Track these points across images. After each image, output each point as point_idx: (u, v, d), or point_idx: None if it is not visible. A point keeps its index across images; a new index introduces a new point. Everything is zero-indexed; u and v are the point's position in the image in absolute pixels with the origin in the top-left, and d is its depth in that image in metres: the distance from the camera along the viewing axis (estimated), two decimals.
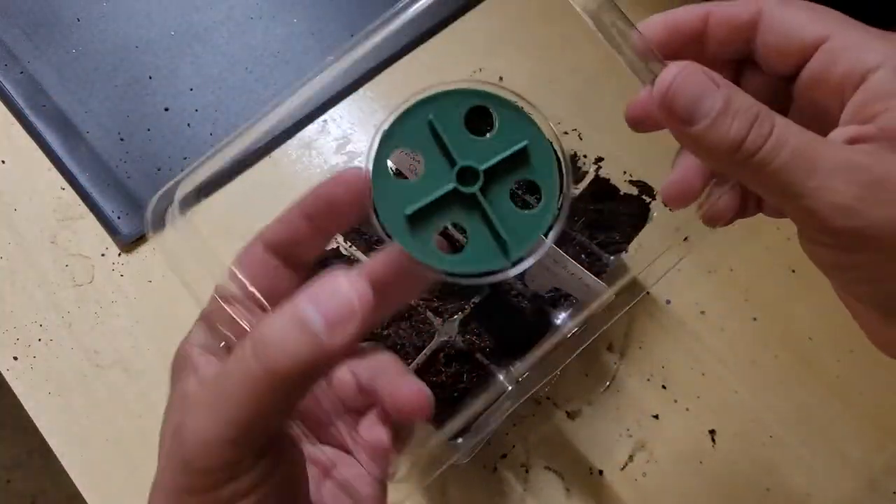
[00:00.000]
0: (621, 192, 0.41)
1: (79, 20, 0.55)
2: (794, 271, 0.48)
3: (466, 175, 0.26)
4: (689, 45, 0.27)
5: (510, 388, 0.36)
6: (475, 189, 0.25)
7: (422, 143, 0.26)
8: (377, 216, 0.25)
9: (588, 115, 0.50)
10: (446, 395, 0.35)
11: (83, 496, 0.42)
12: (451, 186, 0.25)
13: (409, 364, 0.35)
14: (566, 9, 0.30)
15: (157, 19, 0.55)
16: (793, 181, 0.21)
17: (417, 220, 0.25)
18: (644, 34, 0.25)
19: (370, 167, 0.25)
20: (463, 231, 0.25)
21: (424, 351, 0.36)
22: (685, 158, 0.26)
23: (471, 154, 0.26)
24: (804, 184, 0.21)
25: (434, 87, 0.26)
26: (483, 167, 0.25)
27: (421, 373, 0.35)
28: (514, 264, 0.25)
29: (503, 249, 0.25)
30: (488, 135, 0.26)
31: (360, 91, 0.53)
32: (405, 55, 0.54)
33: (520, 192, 0.33)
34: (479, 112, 0.27)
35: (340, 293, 0.21)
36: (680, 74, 0.23)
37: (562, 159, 0.26)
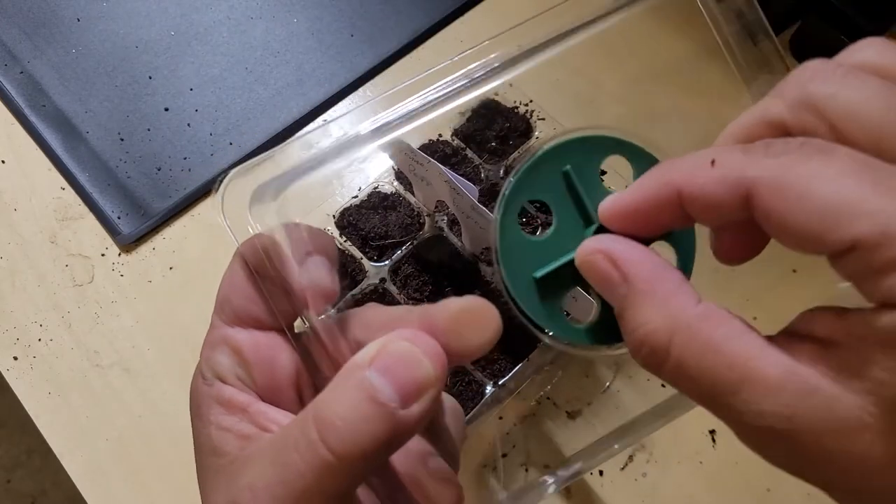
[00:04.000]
0: None
1: (79, 20, 0.55)
2: (794, 271, 0.48)
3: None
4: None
5: (491, 389, 0.36)
6: None
7: (555, 196, 0.23)
8: (504, 279, 0.22)
9: (589, 116, 0.50)
10: None
11: (83, 496, 0.42)
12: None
13: None
14: (569, 6, 0.30)
15: (157, 19, 0.55)
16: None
17: (547, 283, 0.22)
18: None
19: (498, 218, 0.22)
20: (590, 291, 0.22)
21: None
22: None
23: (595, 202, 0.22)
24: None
25: (571, 131, 0.23)
26: (587, 223, 0.22)
27: None
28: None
29: None
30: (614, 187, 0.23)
31: (360, 91, 0.53)
32: (405, 55, 0.54)
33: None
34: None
35: (412, 357, 0.19)
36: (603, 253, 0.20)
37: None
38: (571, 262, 0.22)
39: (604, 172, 0.24)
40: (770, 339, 0.19)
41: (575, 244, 0.22)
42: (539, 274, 0.22)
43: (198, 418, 0.23)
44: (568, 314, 0.22)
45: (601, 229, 0.22)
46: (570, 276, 0.22)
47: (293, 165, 0.25)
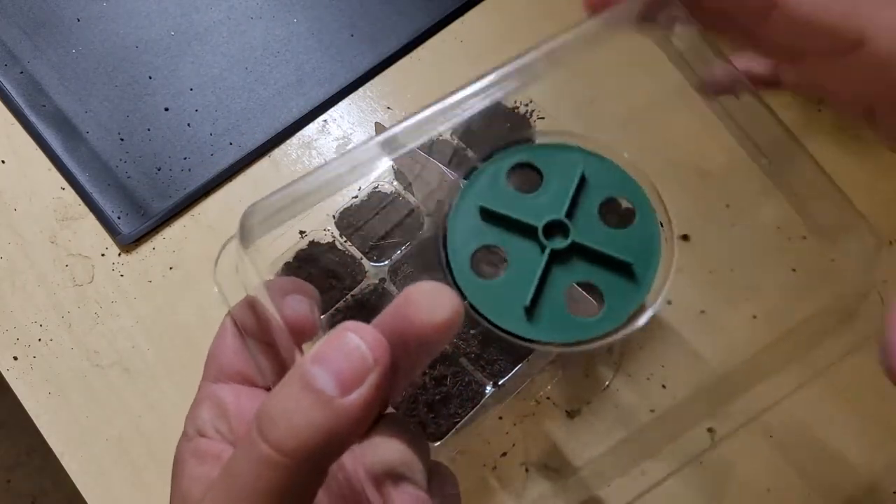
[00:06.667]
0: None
1: (79, 20, 0.55)
2: (794, 270, 0.48)
3: (553, 231, 0.24)
4: None
5: (490, 391, 0.36)
6: (567, 240, 0.24)
7: (496, 236, 0.24)
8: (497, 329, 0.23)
9: (591, 120, 0.50)
10: (429, 398, 0.35)
11: (83, 496, 0.42)
12: (546, 254, 0.24)
13: None
14: (569, 6, 0.30)
15: (157, 19, 0.55)
16: None
17: (535, 305, 0.24)
18: None
19: (463, 302, 0.23)
20: (591, 287, 0.23)
21: None
22: None
23: (530, 211, 0.24)
24: None
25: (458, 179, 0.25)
26: (562, 215, 0.24)
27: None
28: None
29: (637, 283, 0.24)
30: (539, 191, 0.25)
31: (360, 91, 0.53)
32: (405, 55, 0.54)
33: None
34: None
35: (349, 345, 0.18)
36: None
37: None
38: (544, 272, 0.24)
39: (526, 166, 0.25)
40: None
41: (537, 258, 0.23)
42: (527, 302, 0.23)
43: (175, 474, 0.22)
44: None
45: (550, 226, 0.24)
46: (549, 286, 0.24)
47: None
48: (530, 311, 0.24)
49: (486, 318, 0.24)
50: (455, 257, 0.25)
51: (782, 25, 0.22)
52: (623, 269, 0.25)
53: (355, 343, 0.18)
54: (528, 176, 0.26)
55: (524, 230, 0.25)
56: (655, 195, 0.25)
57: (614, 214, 0.26)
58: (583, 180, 0.25)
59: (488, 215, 0.25)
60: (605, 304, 0.24)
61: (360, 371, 0.18)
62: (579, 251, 0.25)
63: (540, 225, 0.25)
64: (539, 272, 0.24)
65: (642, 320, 0.25)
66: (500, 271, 0.25)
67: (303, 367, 0.18)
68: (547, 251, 0.24)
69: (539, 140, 0.25)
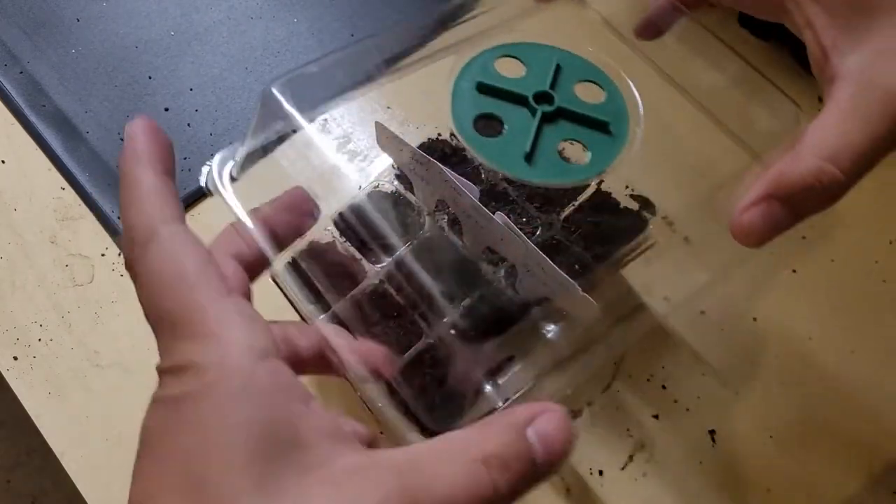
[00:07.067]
0: (621, 206, 0.41)
1: (79, 20, 0.55)
2: (794, 271, 0.48)
3: (540, 100, 0.30)
4: None
5: (490, 391, 0.36)
6: (554, 105, 0.30)
7: (493, 105, 0.30)
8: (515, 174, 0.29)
9: None
10: (429, 399, 0.35)
11: (83, 496, 0.42)
12: (538, 115, 0.30)
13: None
14: (565, 4, 0.31)
15: (157, 19, 0.55)
16: None
17: (533, 153, 0.29)
18: None
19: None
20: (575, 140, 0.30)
21: (410, 351, 0.36)
22: None
23: (519, 85, 0.31)
24: None
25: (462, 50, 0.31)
26: (547, 87, 0.30)
27: (406, 373, 0.35)
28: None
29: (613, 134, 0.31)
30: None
31: (360, 91, 0.53)
32: (405, 55, 0.54)
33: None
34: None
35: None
36: None
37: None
38: (539, 126, 0.30)
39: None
40: None
41: (530, 117, 0.30)
42: (528, 148, 0.29)
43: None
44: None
45: (538, 96, 0.30)
46: (546, 135, 0.30)
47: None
48: (529, 157, 0.29)
49: (495, 167, 0.30)
50: (460, 125, 0.30)
51: None
52: (601, 127, 0.31)
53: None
54: (513, 65, 0.32)
55: (516, 99, 0.31)
56: (621, 80, 0.32)
57: (587, 93, 0.32)
58: (558, 68, 0.32)
59: (485, 89, 0.31)
60: (590, 154, 0.31)
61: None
62: (564, 115, 0.31)
63: (530, 94, 0.31)
64: (534, 127, 0.30)
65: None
66: (501, 132, 0.30)
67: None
68: (539, 113, 0.30)
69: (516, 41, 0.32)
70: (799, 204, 0.24)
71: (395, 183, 0.42)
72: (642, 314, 0.40)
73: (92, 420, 0.44)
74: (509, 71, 0.32)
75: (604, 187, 0.41)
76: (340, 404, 0.41)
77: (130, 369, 0.45)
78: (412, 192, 0.41)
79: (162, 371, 0.21)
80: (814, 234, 0.48)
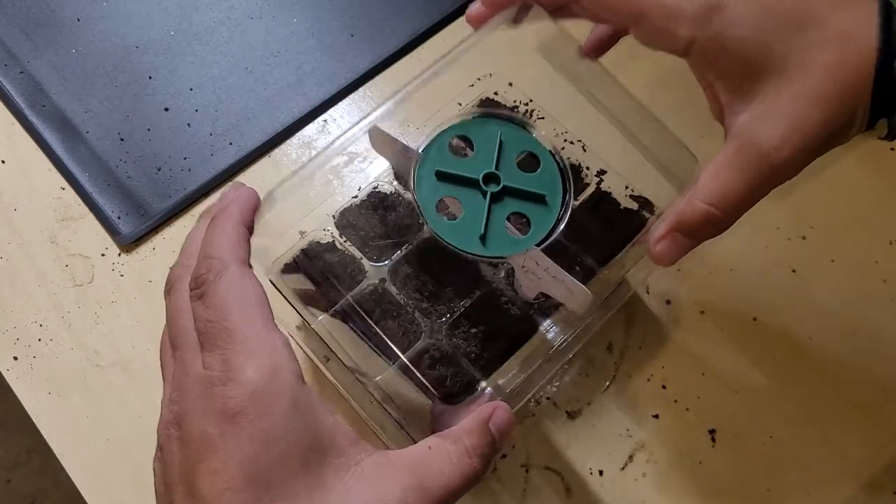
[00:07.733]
0: (621, 207, 0.41)
1: (79, 20, 0.55)
2: (794, 271, 0.48)
3: (489, 180, 0.35)
4: None
5: (489, 391, 0.36)
6: (500, 185, 0.35)
7: (450, 189, 0.35)
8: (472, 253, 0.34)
9: (590, 116, 0.50)
10: (429, 397, 0.35)
11: (83, 496, 0.42)
12: (488, 197, 0.35)
13: (393, 364, 0.35)
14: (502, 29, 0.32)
15: (157, 19, 0.55)
16: None
17: (486, 233, 0.34)
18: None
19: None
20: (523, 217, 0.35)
21: (410, 351, 0.36)
22: None
23: (470, 168, 0.35)
24: None
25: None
26: (493, 168, 0.35)
27: (405, 373, 0.35)
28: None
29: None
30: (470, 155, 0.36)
31: (360, 91, 0.53)
32: (405, 55, 0.54)
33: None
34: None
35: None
36: None
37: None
38: (489, 209, 0.35)
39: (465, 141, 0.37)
40: None
41: (480, 201, 0.35)
42: (482, 231, 0.34)
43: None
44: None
45: (486, 177, 0.35)
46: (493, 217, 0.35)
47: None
48: (483, 238, 0.34)
49: (455, 248, 0.34)
50: (425, 207, 0.35)
51: (590, 9, 0.32)
52: (539, 200, 0.36)
53: None
54: (463, 143, 0.37)
55: (468, 182, 0.35)
56: (554, 144, 0.38)
57: (526, 163, 0.37)
58: (501, 143, 0.36)
59: (442, 176, 0.35)
60: (531, 226, 0.35)
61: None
62: (509, 192, 0.35)
63: (479, 177, 0.35)
64: (486, 210, 0.35)
65: None
66: (459, 214, 0.35)
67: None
68: (488, 195, 0.35)
69: (465, 118, 0.37)
70: (695, 234, 0.31)
71: (395, 183, 0.42)
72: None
73: (92, 420, 0.44)
74: (459, 147, 0.37)
75: (604, 187, 0.41)
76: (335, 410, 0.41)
77: (130, 369, 0.45)
78: (411, 192, 0.41)
79: (213, 376, 0.25)
80: (814, 234, 0.48)
